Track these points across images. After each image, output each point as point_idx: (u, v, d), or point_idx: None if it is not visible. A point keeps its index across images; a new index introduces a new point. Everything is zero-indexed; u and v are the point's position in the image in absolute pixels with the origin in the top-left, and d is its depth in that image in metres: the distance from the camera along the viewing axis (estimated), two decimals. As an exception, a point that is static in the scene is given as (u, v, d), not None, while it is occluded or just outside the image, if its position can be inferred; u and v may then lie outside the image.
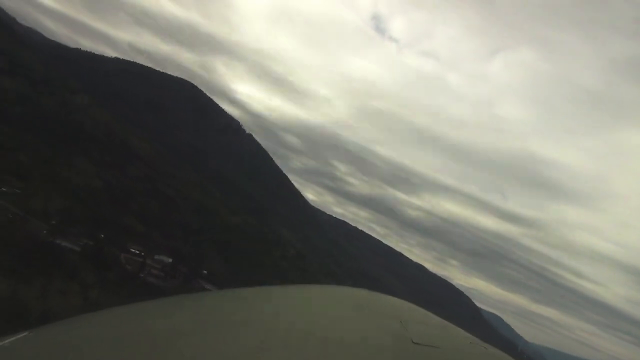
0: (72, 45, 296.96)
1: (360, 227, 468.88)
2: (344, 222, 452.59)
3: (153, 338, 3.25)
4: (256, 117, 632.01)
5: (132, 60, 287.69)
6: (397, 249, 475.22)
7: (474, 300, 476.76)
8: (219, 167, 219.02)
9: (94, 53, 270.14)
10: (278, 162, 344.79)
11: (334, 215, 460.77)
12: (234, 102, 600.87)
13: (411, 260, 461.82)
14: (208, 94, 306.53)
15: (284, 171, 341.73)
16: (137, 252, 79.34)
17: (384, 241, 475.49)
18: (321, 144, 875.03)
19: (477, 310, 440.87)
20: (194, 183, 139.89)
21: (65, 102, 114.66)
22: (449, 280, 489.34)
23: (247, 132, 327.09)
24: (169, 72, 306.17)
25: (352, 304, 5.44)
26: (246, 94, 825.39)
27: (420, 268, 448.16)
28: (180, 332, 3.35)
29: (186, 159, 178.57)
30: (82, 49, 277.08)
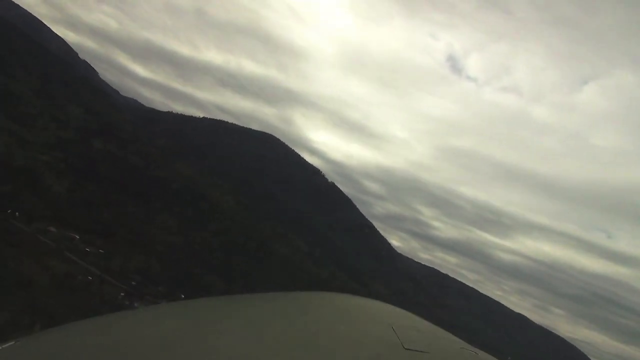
0: (165, 109, 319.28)
1: (451, 275, 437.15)
2: (433, 269, 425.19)
3: (143, 346, 3.17)
4: (335, 164, 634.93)
5: (217, 119, 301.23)
6: (493, 296, 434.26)
7: (587, 355, 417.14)
8: (304, 218, 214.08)
9: (183, 114, 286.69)
10: (360, 209, 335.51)
11: (422, 263, 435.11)
12: (313, 151, 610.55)
13: (511, 310, 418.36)
14: (289, 145, 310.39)
15: (368, 218, 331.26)
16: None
17: (479, 289, 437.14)
18: (403, 188, 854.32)
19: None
20: (279, 235, 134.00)
21: (151, 159, 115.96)
22: (555, 332, 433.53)
23: (329, 180, 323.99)
24: (251, 127, 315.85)
25: (342, 310, 5.36)
26: (324, 142, 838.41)
27: (521, 318, 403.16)
28: (169, 339, 3.26)
29: (270, 210, 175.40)
30: (174, 111, 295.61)
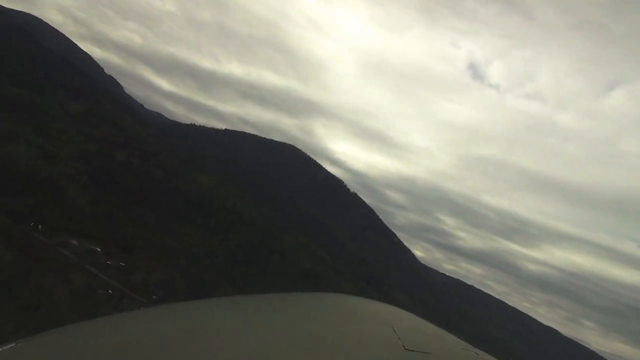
0: (188, 122, 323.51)
1: (476, 286, 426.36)
2: (458, 280, 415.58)
3: (147, 346, 3.18)
4: (357, 175, 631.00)
5: (239, 130, 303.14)
6: (521, 308, 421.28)
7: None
8: (326, 229, 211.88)
9: (205, 126, 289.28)
10: (383, 219, 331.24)
11: (446, 274, 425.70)
12: (334, 162, 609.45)
13: (540, 322, 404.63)
14: (310, 156, 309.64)
15: (390, 228, 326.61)
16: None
17: (506, 301, 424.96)
18: (425, 198, 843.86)
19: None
20: (302, 246, 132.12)
21: (173, 171, 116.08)
22: (586, 345, 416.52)
23: (351, 191, 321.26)
24: (272, 138, 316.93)
25: (344, 311, 5.38)
26: (345, 152, 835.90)
27: (550, 331, 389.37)
28: (172, 340, 3.26)
29: (292, 221, 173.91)
30: (196, 124, 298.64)
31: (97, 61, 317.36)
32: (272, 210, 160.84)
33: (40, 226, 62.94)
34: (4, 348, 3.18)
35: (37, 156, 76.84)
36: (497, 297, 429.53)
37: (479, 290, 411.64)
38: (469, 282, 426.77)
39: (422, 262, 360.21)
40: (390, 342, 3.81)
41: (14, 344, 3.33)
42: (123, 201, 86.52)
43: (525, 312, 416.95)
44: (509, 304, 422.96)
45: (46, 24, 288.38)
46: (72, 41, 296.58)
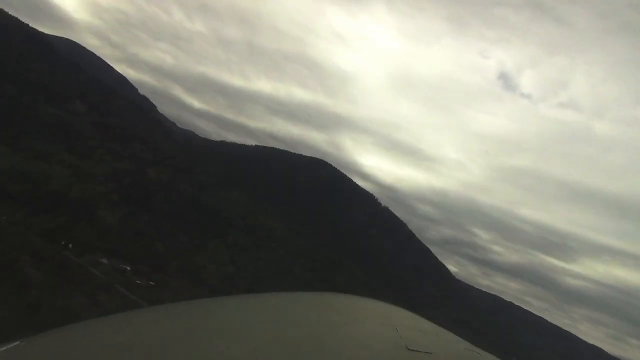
0: (219, 139, 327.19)
1: (515, 303, 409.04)
2: (495, 296, 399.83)
3: (150, 345, 3.21)
4: (387, 188, 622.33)
5: (269, 146, 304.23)
6: (562, 326, 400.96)
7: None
8: (359, 244, 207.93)
9: (236, 143, 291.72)
10: (416, 233, 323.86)
11: (482, 289, 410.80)
12: (364, 176, 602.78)
13: (582, 340, 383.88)
14: (340, 170, 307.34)
15: (423, 242, 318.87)
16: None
17: (546, 317, 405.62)
18: (458, 211, 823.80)
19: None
20: (334, 263, 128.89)
21: (204, 188, 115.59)
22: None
23: (382, 205, 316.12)
24: (302, 153, 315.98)
25: (346, 311, 5.32)
26: (375, 166, 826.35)
27: (594, 349, 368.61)
28: (174, 339, 3.30)
29: (324, 237, 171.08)
30: (227, 140, 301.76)
31: (132, 82, 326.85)
32: (303, 226, 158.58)
33: (70, 245, 62.36)
34: (8, 347, 3.14)
35: (70, 175, 77.28)
36: (536, 313, 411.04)
37: (518, 307, 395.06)
38: (508, 299, 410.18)
39: (457, 277, 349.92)
40: (393, 342, 3.73)
41: (17, 343, 3.28)
42: (154, 219, 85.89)
43: (567, 329, 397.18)
44: (550, 320, 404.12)
45: (83, 47, 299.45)
46: (107, 63, 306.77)
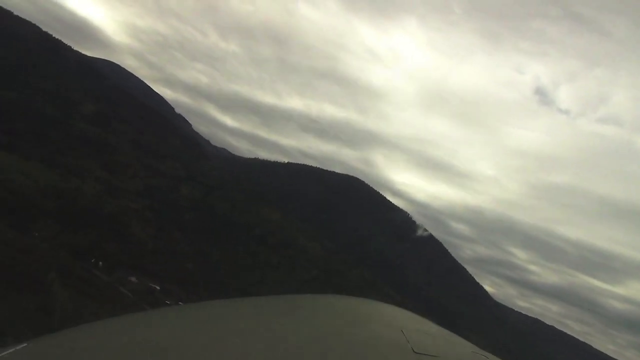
0: (251, 156, 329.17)
1: (557, 327, 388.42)
2: (535, 319, 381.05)
3: (155, 348, 3.14)
4: (420, 206, 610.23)
5: (301, 163, 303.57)
6: (607, 352, 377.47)
7: None
8: (393, 263, 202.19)
9: (268, 160, 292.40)
10: (452, 252, 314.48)
11: (521, 312, 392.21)
12: (396, 193, 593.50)
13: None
14: (373, 187, 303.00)
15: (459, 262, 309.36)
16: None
17: (589, 342, 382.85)
18: (493, 229, 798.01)
19: None
20: (369, 283, 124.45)
21: (237, 205, 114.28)
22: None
23: (417, 223, 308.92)
24: (334, 170, 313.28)
25: (352, 313, 5.27)
26: (408, 183, 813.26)
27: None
28: (181, 341, 3.21)
29: (358, 256, 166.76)
30: (259, 157, 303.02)
31: (169, 101, 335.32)
32: (336, 244, 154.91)
33: (100, 263, 61.10)
34: (16, 349, 3.03)
35: (102, 191, 77.18)
36: (579, 338, 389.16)
37: (560, 331, 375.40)
38: (548, 322, 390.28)
39: (494, 298, 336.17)
40: (400, 345, 3.70)
41: (24, 345, 3.15)
42: (186, 236, 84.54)
43: (612, 355, 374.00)
44: (594, 346, 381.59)
45: (123, 68, 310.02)
46: (145, 83, 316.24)
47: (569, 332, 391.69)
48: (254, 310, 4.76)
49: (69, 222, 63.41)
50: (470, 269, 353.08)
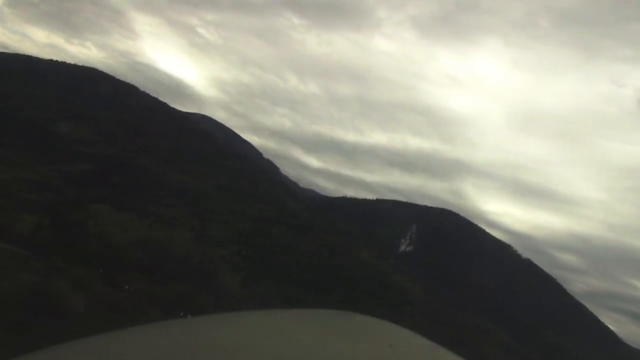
0: (339, 195, 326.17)
1: None
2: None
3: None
4: (520, 237, 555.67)
5: (390, 199, 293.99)
6: None
7: None
8: (502, 303, 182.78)
9: (356, 198, 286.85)
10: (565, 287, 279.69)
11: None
12: (491, 224, 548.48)
13: None
14: (470, 219, 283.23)
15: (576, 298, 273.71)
16: None
17: None
18: (607, 259, 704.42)
19: None
20: (477, 327, 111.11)
21: (326, 246, 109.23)
22: None
23: (523, 257, 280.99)
24: (425, 204, 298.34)
25: (340, 328, 5.35)
26: (503, 212, 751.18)
27: None
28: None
29: (461, 294, 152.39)
30: (347, 196, 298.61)
31: (256, 147, 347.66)
32: (438, 284, 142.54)
33: (189, 315, 58.03)
34: None
35: (192, 239, 76.44)
36: None
37: None
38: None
39: (622, 339, 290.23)
40: (387, 358, 3.68)
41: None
42: (275, 283, 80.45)
43: None
44: None
45: (214, 120, 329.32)
46: (235, 132, 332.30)
47: None
48: (239, 326, 4.49)
49: (158, 272, 62.07)
50: (589, 306, 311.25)
